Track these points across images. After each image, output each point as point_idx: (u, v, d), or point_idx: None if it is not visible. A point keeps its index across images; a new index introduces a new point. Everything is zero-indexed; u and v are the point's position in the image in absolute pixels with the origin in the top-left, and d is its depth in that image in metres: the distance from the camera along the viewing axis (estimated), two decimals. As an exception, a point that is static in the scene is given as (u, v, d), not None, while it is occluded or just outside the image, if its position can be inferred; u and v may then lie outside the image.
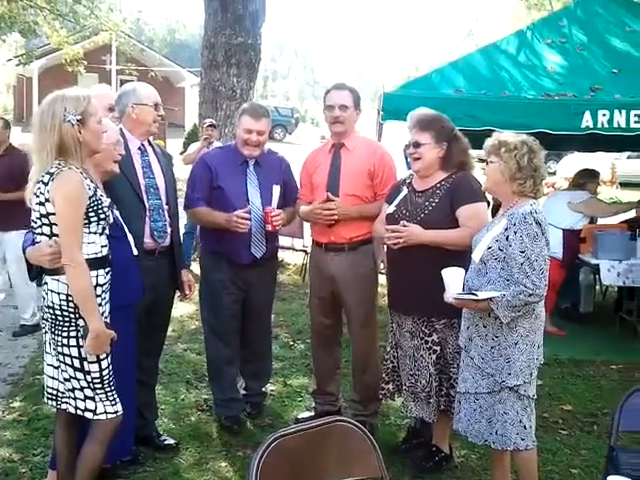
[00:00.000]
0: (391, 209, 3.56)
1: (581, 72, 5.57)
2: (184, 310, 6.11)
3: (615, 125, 4.98)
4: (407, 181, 3.62)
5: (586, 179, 6.57)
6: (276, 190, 3.98)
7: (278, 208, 3.92)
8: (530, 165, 3.00)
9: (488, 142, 3.12)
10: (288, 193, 4.06)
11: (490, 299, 2.92)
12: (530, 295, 2.88)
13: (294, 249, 8.64)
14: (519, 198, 3.05)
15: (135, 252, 3.25)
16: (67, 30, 20.08)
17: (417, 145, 3.43)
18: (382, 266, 4.11)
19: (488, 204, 3.50)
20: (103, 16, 19.64)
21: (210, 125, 7.85)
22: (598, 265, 5.98)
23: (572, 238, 6.18)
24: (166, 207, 3.61)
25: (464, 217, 3.33)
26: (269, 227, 3.83)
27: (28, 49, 23.35)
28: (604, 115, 4.98)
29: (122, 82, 27.29)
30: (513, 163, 3.00)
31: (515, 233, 2.93)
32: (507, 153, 3.01)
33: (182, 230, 4.01)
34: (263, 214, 3.84)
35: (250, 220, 3.79)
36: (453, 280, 3.06)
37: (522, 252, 2.90)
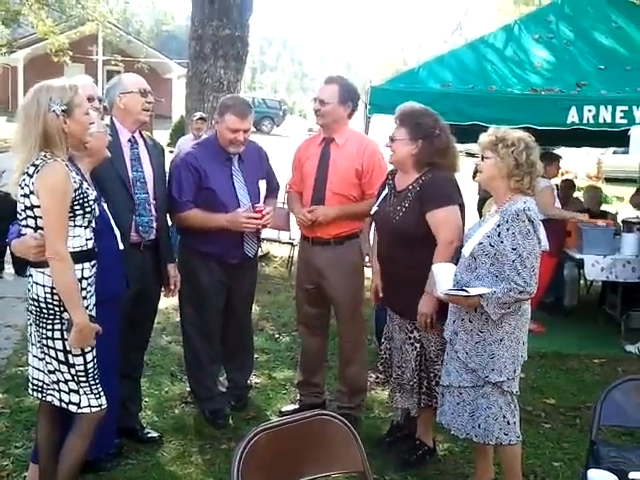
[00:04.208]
0: (374, 209, 3.56)
1: (568, 68, 5.60)
2: (168, 302, 6.06)
3: (601, 120, 5.01)
4: (392, 176, 3.57)
5: (543, 162, 6.09)
6: (262, 185, 3.96)
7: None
8: (528, 161, 2.98)
9: (483, 137, 3.07)
10: (269, 184, 4.04)
11: (480, 295, 2.91)
12: (521, 292, 2.88)
13: (280, 242, 8.65)
14: (513, 194, 3.02)
15: (121, 246, 3.22)
16: (53, 20, 19.89)
17: (392, 139, 3.41)
18: (367, 259, 4.13)
19: (462, 206, 3.43)
20: (90, 6, 19.47)
21: (200, 118, 7.91)
22: (582, 259, 6.02)
23: (552, 226, 6.02)
24: (153, 202, 3.56)
25: (434, 225, 3.28)
26: (259, 225, 3.82)
27: (11, 39, 23.10)
28: (590, 111, 5.01)
29: (109, 73, 27.13)
30: (511, 160, 2.96)
31: (507, 230, 2.91)
32: (505, 149, 2.97)
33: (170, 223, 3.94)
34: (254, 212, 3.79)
35: (259, 219, 3.75)
36: (443, 276, 3.05)
37: (514, 249, 2.89)
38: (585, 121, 5.01)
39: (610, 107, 4.99)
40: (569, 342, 5.82)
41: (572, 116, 5.01)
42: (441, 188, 3.33)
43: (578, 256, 6.11)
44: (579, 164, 18.76)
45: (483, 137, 3.08)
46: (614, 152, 19.11)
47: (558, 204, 6.23)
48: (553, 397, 4.60)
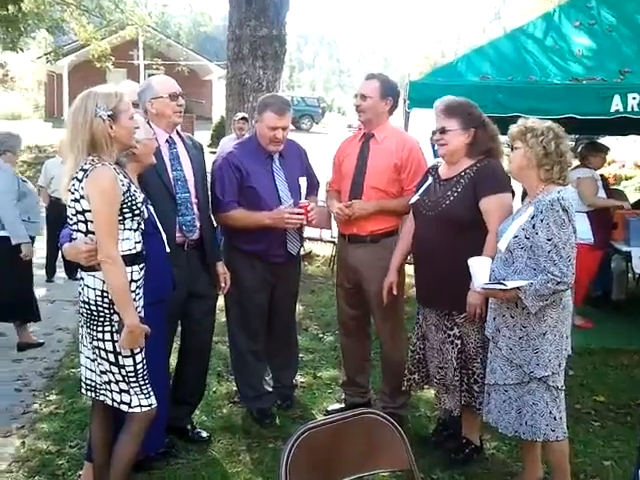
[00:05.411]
0: (415, 198, 3.56)
1: (610, 55, 5.45)
2: (214, 303, 6.17)
3: (646, 108, 4.88)
4: (434, 169, 3.60)
5: (586, 153, 6.09)
6: (303, 182, 3.98)
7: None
8: (557, 151, 2.98)
9: (513, 128, 3.10)
10: (309, 182, 4.06)
11: (518, 288, 2.90)
12: (558, 283, 2.86)
13: (322, 240, 8.68)
14: (546, 185, 3.02)
15: (167, 249, 3.27)
16: (94, 26, 20.28)
17: (443, 131, 3.41)
18: (408, 257, 4.11)
19: (513, 194, 3.45)
20: (128, 10, 19.78)
21: (242, 118, 8.02)
22: (630, 252, 5.89)
23: (597, 218, 5.92)
24: (195, 200, 3.60)
25: (487, 212, 3.29)
26: (305, 221, 3.84)
27: (56, 46, 23.67)
28: (634, 98, 4.88)
29: (150, 76, 27.55)
30: (540, 149, 2.98)
31: (542, 221, 2.91)
32: (533, 139, 2.99)
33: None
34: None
35: (302, 215, 3.78)
36: (480, 270, 3.05)
37: (549, 240, 2.88)
38: (629, 109, 4.88)
39: (655, 94, 4.85)
40: (618, 337, 5.71)
41: (616, 104, 4.88)
42: (497, 175, 3.35)
43: (625, 249, 5.98)
44: (626, 152, 18.31)
45: (512, 128, 3.12)
46: (662, 139, 18.57)
47: (603, 194, 6.10)
48: (602, 394, 4.52)
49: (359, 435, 2.18)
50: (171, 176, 3.53)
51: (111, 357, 2.84)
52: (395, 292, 3.72)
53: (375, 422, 2.20)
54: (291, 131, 4.01)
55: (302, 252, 4.77)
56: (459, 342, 3.41)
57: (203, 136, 18.33)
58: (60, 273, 8.03)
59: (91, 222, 2.77)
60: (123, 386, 2.87)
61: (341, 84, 73.84)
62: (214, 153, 8.60)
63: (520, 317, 3.01)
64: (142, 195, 2.95)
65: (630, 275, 7.01)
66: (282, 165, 3.95)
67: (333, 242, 8.06)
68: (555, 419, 3.01)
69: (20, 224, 5.27)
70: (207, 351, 3.94)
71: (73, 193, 2.77)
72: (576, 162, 5.83)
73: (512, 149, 3.10)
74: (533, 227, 2.94)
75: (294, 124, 26.58)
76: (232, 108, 8.69)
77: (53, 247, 8.03)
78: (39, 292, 7.52)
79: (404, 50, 76.41)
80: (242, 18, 8.46)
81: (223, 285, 3.82)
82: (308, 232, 7.74)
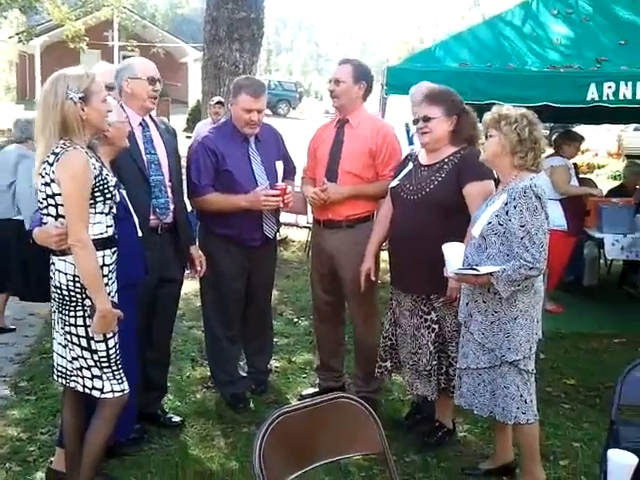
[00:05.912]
0: (394, 183, 3.56)
1: (587, 43, 5.49)
2: (188, 288, 6.10)
3: (621, 97, 4.91)
4: (414, 155, 3.61)
5: (561, 141, 6.15)
6: (279, 166, 3.97)
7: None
8: (531, 137, 3.00)
9: (487, 116, 3.11)
10: (285, 167, 4.05)
11: (490, 274, 2.93)
12: (530, 269, 2.89)
13: (298, 226, 8.68)
14: (519, 172, 3.04)
15: (140, 233, 3.25)
16: (68, 6, 19.94)
17: (427, 119, 3.39)
18: (384, 243, 4.12)
19: (496, 181, 3.47)
20: (104, -9, 19.48)
21: (218, 102, 7.95)
22: (602, 239, 5.98)
23: (571, 205, 5.99)
24: (169, 183, 3.57)
25: (470, 197, 3.31)
26: (281, 204, 3.83)
27: (29, 26, 23.23)
28: (610, 87, 4.91)
29: (125, 58, 27.18)
30: (514, 136, 2.99)
31: (515, 207, 2.93)
32: (507, 126, 3.00)
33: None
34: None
35: (278, 196, 3.77)
36: (453, 255, 3.06)
37: (522, 226, 2.91)
38: (605, 98, 4.91)
39: (630, 83, 4.88)
40: (589, 322, 5.80)
41: (591, 93, 4.91)
42: (481, 162, 3.33)
43: (598, 235, 6.07)
44: (599, 141, 18.53)
45: (486, 116, 3.12)
46: (635, 129, 18.82)
47: (575, 182, 6.17)
48: (573, 377, 4.59)
49: (333, 419, 2.18)
50: (145, 159, 3.49)
51: (83, 342, 2.81)
52: (373, 278, 3.73)
53: (349, 406, 2.20)
54: (268, 116, 3.98)
55: (278, 237, 4.78)
56: (436, 326, 3.43)
57: (179, 120, 18.17)
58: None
59: (61, 206, 2.73)
60: (95, 372, 2.85)
61: (319, 68, 73.48)
62: (190, 137, 8.53)
63: (492, 302, 3.03)
64: (114, 179, 2.91)
65: (602, 261, 7.12)
66: (258, 148, 3.92)
67: (309, 228, 8.05)
68: (526, 402, 3.05)
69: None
70: (170, 334, 3.93)
71: (44, 177, 2.73)
72: (550, 150, 5.87)
73: (486, 137, 3.11)
74: (506, 214, 2.96)
75: (271, 109, 26.45)
76: (208, 91, 8.61)
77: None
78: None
79: (382, 35, 76.24)
80: (220, 0, 8.35)
81: (199, 269, 3.80)
82: (284, 217, 7.72)
